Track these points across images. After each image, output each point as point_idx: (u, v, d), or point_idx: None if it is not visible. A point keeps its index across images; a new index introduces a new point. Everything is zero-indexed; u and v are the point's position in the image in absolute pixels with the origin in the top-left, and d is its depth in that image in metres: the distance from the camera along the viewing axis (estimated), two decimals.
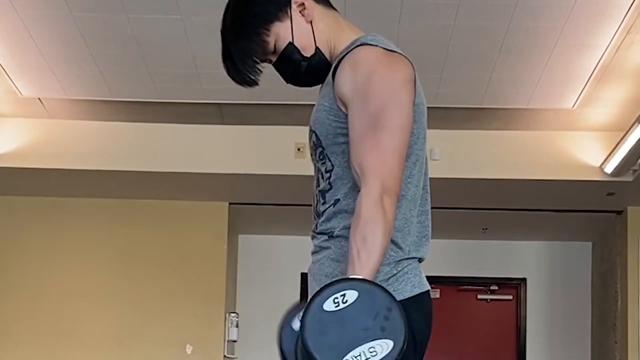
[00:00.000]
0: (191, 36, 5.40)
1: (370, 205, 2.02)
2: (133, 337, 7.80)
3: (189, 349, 7.83)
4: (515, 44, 5.47)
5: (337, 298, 1.92)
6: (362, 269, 1.98)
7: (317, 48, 2.28)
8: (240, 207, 7.99)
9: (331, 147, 2.20)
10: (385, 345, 1.91)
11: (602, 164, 6.76)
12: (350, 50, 2.18)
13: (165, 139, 6.98)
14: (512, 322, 9.25)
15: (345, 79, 2.14)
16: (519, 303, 9.20)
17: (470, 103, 6.41)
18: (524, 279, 9.19)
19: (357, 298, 1.92)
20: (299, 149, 6.68)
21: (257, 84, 2.32)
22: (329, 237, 2.20)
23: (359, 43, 2.19)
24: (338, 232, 2.18)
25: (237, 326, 8.12)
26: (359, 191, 2.10)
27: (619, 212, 7.91)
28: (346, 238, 2.13)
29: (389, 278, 2.12)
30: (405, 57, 2.19)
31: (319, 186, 2.25)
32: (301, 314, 1.93)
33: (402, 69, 2.16)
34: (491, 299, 9.27)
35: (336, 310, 1.92)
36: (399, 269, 2.15)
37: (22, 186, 7.50)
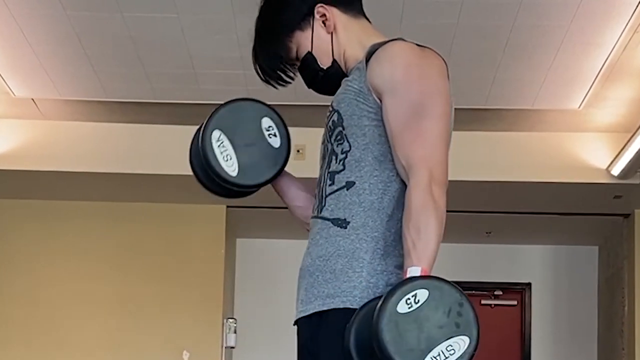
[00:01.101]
0: (188, 35, 5.40)
1: (420, 196, 2.05)
2: (128, 343, 7.80)
3: (185, 356, 7.83)
4: (519, 43, 5.47)
5: (409, 299, 1.95)
6: (420, 260, 2.03)
7: (334, 60, 2.36)
8: (238, 210, 7.98)
9: (352, 128, 2.23)
10: (462, 342, 1.96)
11: (609, 166, 6.76)
12: (385, 43, 2.25)
13: (162, 140, 6.97)
14: (517, 328, 9.25)
15: (381, 70, 2.20)
16: (524, 308, 9.20)
17: (473, 104, 6.41)
18: (529, 284, 9.19)
19: (428, 296, 1.96)
20: (298, 151, 6.68)
21: (290, 82, 2.44)
22: (340, 227, 2.20)
23: (393, 38, 2.27)
24: (357, 229, 2.18)
25: (235, 332, 8.12)
26: (376, 176, 2.17)
27: (626, 215, 7.91)
28: (357, 234, 2.15)
29: (393, 283, 2.11)
30: (438, 54, 2.29)
31: (329, 167, 2.27)
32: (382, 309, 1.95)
33: (438, 63, 2.26)
34: (495, 305, 9.27)
35: (410, 312, 1.95)
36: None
37: (15, 188, 7.49)
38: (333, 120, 2.27)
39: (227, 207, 7.90)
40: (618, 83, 5.91)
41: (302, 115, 6.38)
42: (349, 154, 2.22)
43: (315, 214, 2.27)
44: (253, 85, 6.32)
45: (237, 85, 6.09)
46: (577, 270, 9.14)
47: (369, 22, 2.45)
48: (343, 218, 2.19)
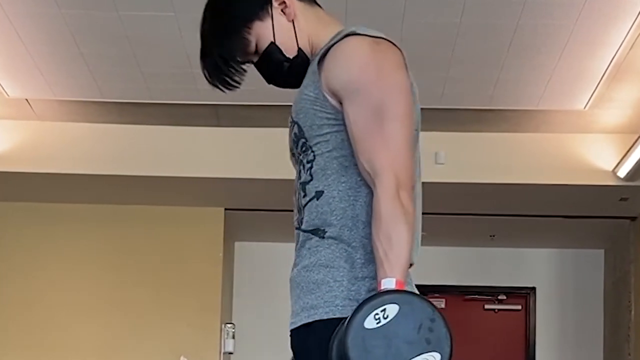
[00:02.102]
0: (185, 34, 5.40)
1: (389, 203, 2.02)
2: (125, 349, 7.79)
3: None
4: (524, 42, 5.47)
5: (377, 314, 1.93)
6: (393, 270, 1.99)
7: (299, 49, 2.29)
8: (236, 213, 7.98)
9: (314, 138, 2.19)
10: (431, 359, 1.93)
11: (615, 167, 6.76)
12: (338, 41, 2.17)
13: (158, 141, 6.97)
14: (521, 333, 9.25)
15: (337, 71, 2.14)
16: (528, 313, 9.20)
17: (477, 104, 6.41)
18: (534, 288, 9.19)
19: (398, 311, 1.93)
20: None
21: (238, 86, 2.33)
22: (319, 237, 2.19)
23: (345, 33, 2.19)
24: (329, 233, 2.16)
25: (233, 337, 8.12)
26: (343, 182, 2.13)
27: (633, 218, 7.91)
28: (336, 241, 2.14)
29: (375, 289, 2.11)
30: (394, 43, 2.19)
31: (300, 178, 2.25)
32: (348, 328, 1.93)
33: (393, 56, 2.16)
34: (499, 309, 9.26)
35: (379, 327, 1.92)
36: None
37: (8, 191, 7.49)
38: (295, 133, 2.24)
39: (226, 209, 7.90)
40: (624, 83, 5.91)
41: None
42: (314, 163, 2.20)
43: (296, 225, 2.27)
44: (251, 85, 6.32)
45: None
46: (583, 274, 9.14)
47: (322, 8, 2.36)
48: (321, 228, 2.18)
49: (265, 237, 8.79)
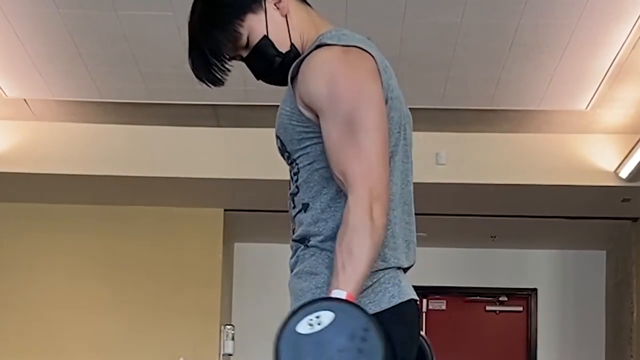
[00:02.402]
0: (184, 34, 5.32)
1: (359, 216, 2.00)
2: (123, 351, 7.79)
3: None
4: (525, 42, 5.46)
5: (312, 320, 1.91)
6: (347, 283, 1.97)
7: (292, 44, 2.27)
8: (236, 214, 7.98)
9: (296, 152, 2.19)
10: None
11: (617, 168, 6.75)
12: (309, 53, 2.16)
13: (157, 142, 6.97)
14: (523, 334, 9.25)
15: (307, 86, 2.13)
16: (530, 315, 9.20)
17: (478, 104, 6.41)
18: (535, 290, 9.19)
19: (333, 319, 1.91)
20: None
21: (222, 83, 2.31)
22: (304, 246, 2.20)
23: (316, 44, 2.18)
24: (312, 242, 2.17)
25: (232, 339, 8.11)
26: (325, 194, 2.13)
27: (635, 219, 7.90)
28: (319, 249, 2.14)
29: (364, 290, 2.11)
30: (366, 50, 2.16)
31: (290, 190, 2.26)
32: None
33: (364, 65, 2.14)
34: (500, 311, 9.27)
35: (311, 333, 1.91)
36: (375, 279, 2.13)
37: (6, 191, 7.48)
38: (279, 147, 2.25)
39: (225, 210, 7.90)
40: (626, 83, 5.91)
41: None
42: (298, 176, 2.20)
43: (292, 235, 2.28)
44: (252, 85, 6.31)
45: (234, 86, 6.09)
46: (585, 275, 9.14)
47: (313, 10, 2.34)
48: (307, 237, 2.19)
49: (265, 238, 8.78)
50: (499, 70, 5.86)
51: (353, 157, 2.05)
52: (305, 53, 2.18)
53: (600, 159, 6.84)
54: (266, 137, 6.91)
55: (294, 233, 2.25)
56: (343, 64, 2.12)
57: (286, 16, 2.26)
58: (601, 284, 9.07)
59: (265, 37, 2.25)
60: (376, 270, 2.13)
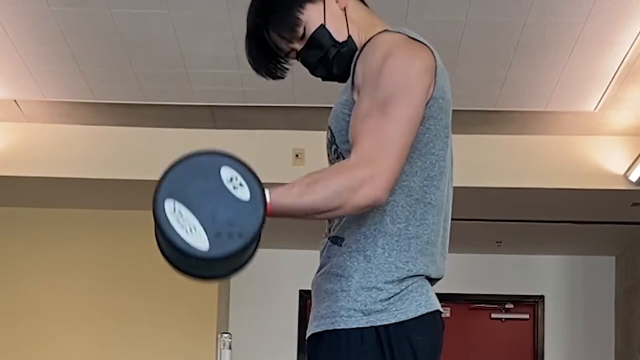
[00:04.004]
0: (180, 32, 5.40)
1: (344, 183, 1.99)
2: None
3: None
4: (532, 41, 5.47)
5: (233, 179, 2.02)
6: (281, 197, 1.99)
7: (349, 36, 2.30)
8: None
9: (344, 145, 2.20)
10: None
11: (627, 171, 6.75)
12: (370, 39, 2.20)
13: (152, 144, 6.97)
14: (529, 343, 9.24)
15: (362, 64, 2.17)
16: (537, 323, 9.19)
17: (483, 105, 6.41)
18: (542, 297, 9.19)
19: (242, 197, 1.99)
20: (297, 155, 6.68)
21: (282, 76, 2.35)
22: (337, 246, 2.21)
23: (379, 31, 2.23)
24: (350, 245, 2.19)
25: (230, 348, 8.09)
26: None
27: None
28: (351, 251, 2.16)
29: (391, 297, 2.13)
30: (429, 47, 2.22)
31: None
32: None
33: (422, 57, 2.17)
34: (506, 318, 9.26)
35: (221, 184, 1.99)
36: (403, 287, 2.15)
37: None
38: (328, 138, 2.27)
39: None
40: (636, 84, 5.91)
41: (300, 117, 6.37)
42: None
43: (326, 232, 2.29)
44: (249, 85, 6.33)
45: (232, 86, 6.09)
46: (593, 282, 9.13)
47: (371, 10, 2.41)
48: (341, 237, 2.20)
49: (264, 243, 8.72)
50: (504, 70, 5.86)
51: (371, 134, 2.05)
52: (366, 42, 2.21)
53: (609, 161, 6.84)
54: (264, 139, 6.97)
55: (329, 231, 2.25)
56: (401, 48, 2.16)
57: (345, 9, 2.31)
58: (610, 291, 9.07)
59: (322, 26, 2.28)
60: (405, 277, 2.15)
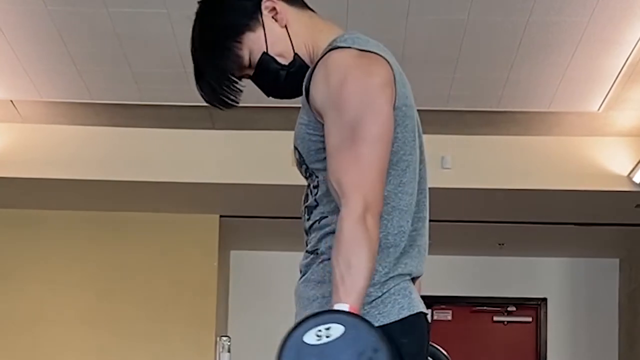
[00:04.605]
0: (178, 32, 5.39)
1: (353, 226, 2.01)
2: None
3: None
4: (534, 40, 5.46)
5: (320, 331, 1.91)
6: (348, 295, 1.98)
7: (295, 54, 2.28)
8: (232, 221, 7.97)
9: (314, 164, 2.21)
10: None
11: (631, 172, 6.75)
12: (322, 57, 2.17)
13: (150, 145, 6.97)
14: (532, 346, 9.24)
15: (318, 88, 2.14)
16: (539, 325, 9.19)
17: (485, 106, 6.41)
18: (545, 299, 9.19)
19: (342, 333, 1.91)
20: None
21: (237, 104, 2.31)
22: (315, 255, 2.21)
23: (331, 47, 2.18)
24: (322, 251, 2.19)
25: (228, 351, 8.08)
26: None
27: None
28: (329, 258, 2.14)
29: (373, 301, 2.13)
30: (382, 56, 2.17)
31: (307, 201, 2.27)
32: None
33: (378, 72, 2.14)
34: (508, 321, 9.26)
35: (317, 344, 1.90)
36: (385, 290, 2.15)
37: None
38: (297, 159, 2.26)
39: (221, 217, 7.90)
40: None
41: None
42: (318, 189, 2.22)
43: (305, 247, 2.29)
44: (248, 86, 6.32)
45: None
46: (596, 284, 9.13)
47: (314, 11, 2.34)
48: (320, 249, 2.21)
49: (263, 245, 8.78)
50: (507, 70, 5.86)
51: (349, 166, 2.06)
52: (319, 57, 2.19)
53: (613, 162, 6.84)
54: (263, 139, 6.96)
55: (307, 244, 2.26)
56: (356, 68, 2.13)
57: (286, 27, 2.27)
58: (614, 294, 9.06)
59: (265, 53, 2.26)
60: (386, 280, 2.15)
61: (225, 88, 2.29)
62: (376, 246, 2.04)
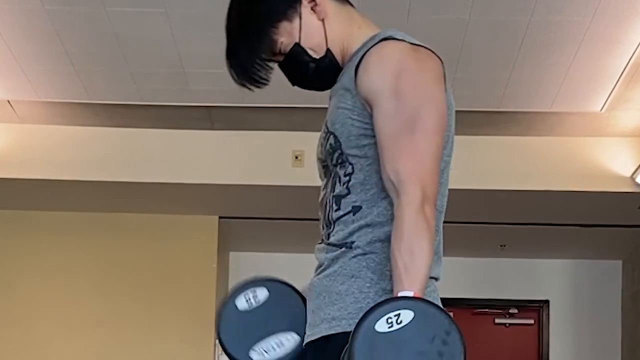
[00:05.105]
0: (177, 32, 5.40)
1: (414, 215, 2.05)
2: None
3: None
4: (537, 40, 5.46)
5: (390, 318, 1.93)
6: (412, 284, 2.01)
7: (328, 49, 2.31)
8: (231, 222, 7.97)
9: (352, 150, 2.22)
10: None
11: (634, 173, 6.75)
12: (373, 46, 2.20)
13: (148, 145, 6.97)
14: (534, 349, 9.24)
15: (371, 77, 2.17)
16: (541, 328, 9.19)
17: (487, 106, 6.40)
18: (547, 302, 9.18)
19: (412, 318, 1.94)
20: (296, 157, 6.67)
21: (267, 83, 2.35)
22: (346, 248, 2.21)
23: (381, 37, 2.22)
24: (363, 248, 2.19)
25: None
26: (384, 197, 2.16)
27: None
28: (364, 252, 2.17)
29: None
30: (434, 52, 2.23)
31: (334, 191, 2.26)
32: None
33: (432, 66, 2.21)
34: (510, 324, 9.25)
35: (389, 332, 1.93)
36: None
37: None
38: (331, 144, 2.26)
39: (220, 218, 7.89)
40: None
41: (301, 118, 6.37)
42: (352, 176, 2.22)
43: (325, 240, 2.28)
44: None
45: (229, 86, 6.05)
46: (599, 286, 9.13)
47: (354, 7, 2.38)
48: (352, 240, 2.21)
49: (262, 247, 8.78)
50: (508, 70, 5.86)
51: (408, 155, 2.10)
52: (367, 47, 2.21)
53: (615, 163, 6.84)
54: (263, 140, 6.96)
55: (328, 237, 2.26)
56: (412, 60, 2.17)
57: (323, 20, 2.31)
58: (617, 295, 9.06)
59: (297, 44, 2.30)
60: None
61: (256, 66, 2.33)
62: (434, 236, 2.09)
